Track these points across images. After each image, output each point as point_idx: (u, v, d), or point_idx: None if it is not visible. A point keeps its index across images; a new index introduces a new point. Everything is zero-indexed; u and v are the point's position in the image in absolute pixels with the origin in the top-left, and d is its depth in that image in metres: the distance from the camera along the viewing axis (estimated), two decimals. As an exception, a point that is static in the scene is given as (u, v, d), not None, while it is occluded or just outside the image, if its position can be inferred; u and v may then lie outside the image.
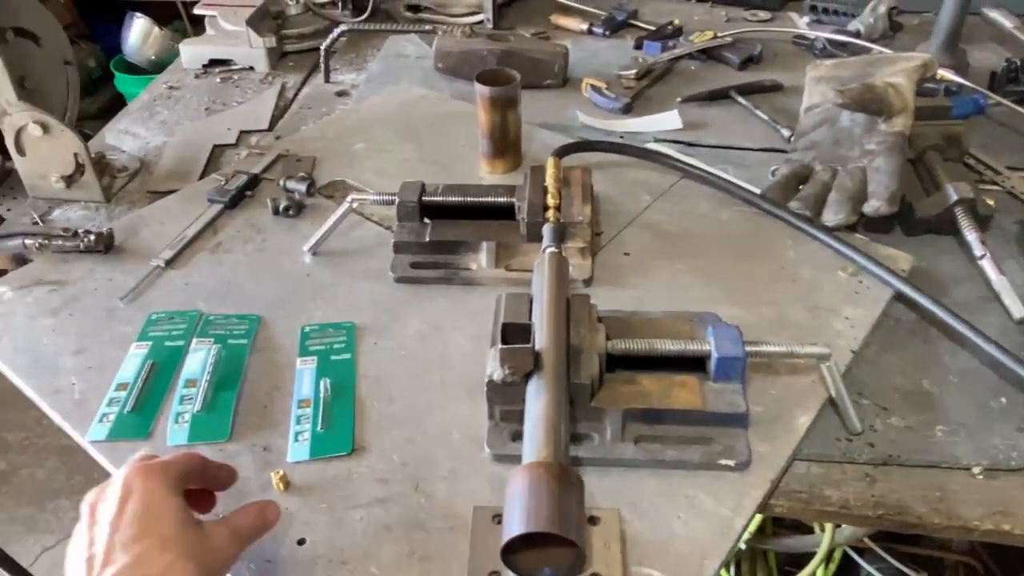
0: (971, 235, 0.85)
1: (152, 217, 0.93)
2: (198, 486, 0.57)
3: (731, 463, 0.62)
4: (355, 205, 0.87)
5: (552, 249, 0.76)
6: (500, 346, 0.61)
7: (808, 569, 1.28)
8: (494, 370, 0.62)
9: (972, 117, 1.11)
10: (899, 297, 0.80)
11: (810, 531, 1.37)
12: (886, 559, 1.37)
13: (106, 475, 0.56)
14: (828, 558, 1.35)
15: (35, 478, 2.05)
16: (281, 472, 0.62)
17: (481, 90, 0.95)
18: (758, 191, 0.94)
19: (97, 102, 2.96)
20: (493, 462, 0.64)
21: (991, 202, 0.91)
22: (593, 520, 0.58)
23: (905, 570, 1.38)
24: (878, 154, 0.91)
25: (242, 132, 1.20)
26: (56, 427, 0.69)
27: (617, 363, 0.68)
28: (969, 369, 0.74)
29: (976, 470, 0.65)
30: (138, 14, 2.82)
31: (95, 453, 0.66)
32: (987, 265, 0.83)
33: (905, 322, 0.79)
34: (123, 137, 1.19)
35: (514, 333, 0.63)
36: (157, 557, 0.47)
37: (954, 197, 0.87)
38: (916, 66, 0.97)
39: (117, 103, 3.05)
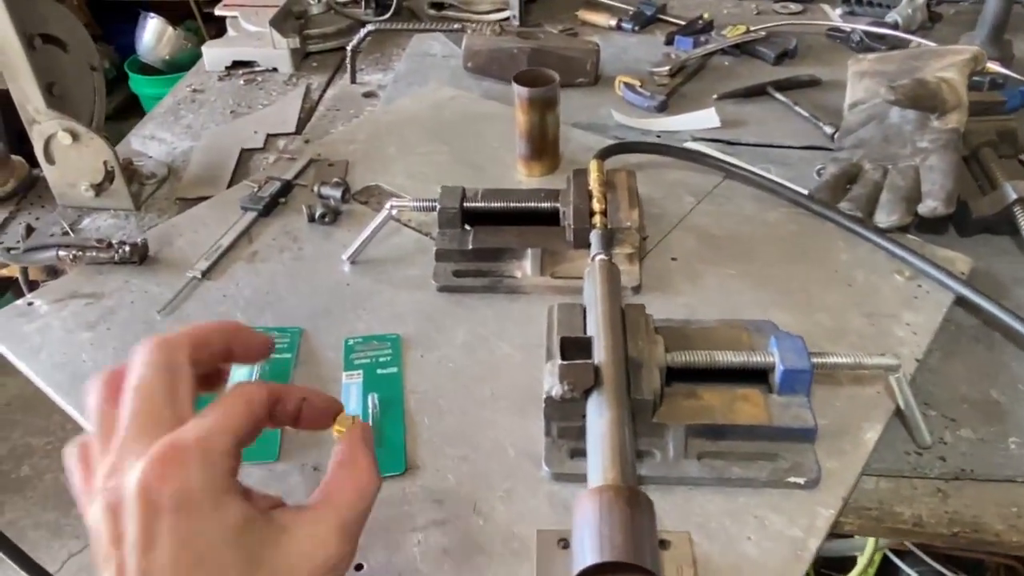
0: (1032, 235, 0.83)
1: (185, 226, 0.91)
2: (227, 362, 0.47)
3: (800, 481, 0.60)
4: (394, 212, 0.84)
5: (602, 256, 0.73)
6: (560, 361, 0.59)
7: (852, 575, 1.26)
8: (552, 386, 0.60)
9: (1020, 110, 1.07)
10: (959, 301, 0.77)
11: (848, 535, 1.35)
12: (927, 562, 1.35)
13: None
14: (867, 561, 1.33)
15: (59, 483, 2.05)
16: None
17: (520, 91, 0.92)
18: (805, 191, 0.91)
19: (112, 103, 2.95)
20: (552, 481, 0.62)
21: (1048, 199, 0.88)
22: (664, 544, 0.56)
23: (946, 572, 1.36)
24: (931, 152, 0.88)
25: (269, 135, 1.18)
26: (79, 431, 0.67)
27: (674, 376, 0.66)
28: (1038, 377, 0.71)
29: (1055, 485, 0.63)
30: (151, 14, 2.81)
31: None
32: (1050, 267, 0.80)
33: (967, 327, 0.77)
34: (149, 142, 1.18)
35: (573, 347, 0.61)
36: None
37: (1013, 196, 0.84)
38: (966, 59, 0.94)
39: (131, 104, 3.04)
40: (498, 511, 0.60)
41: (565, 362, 0.59)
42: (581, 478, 0.61)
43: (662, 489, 0.61)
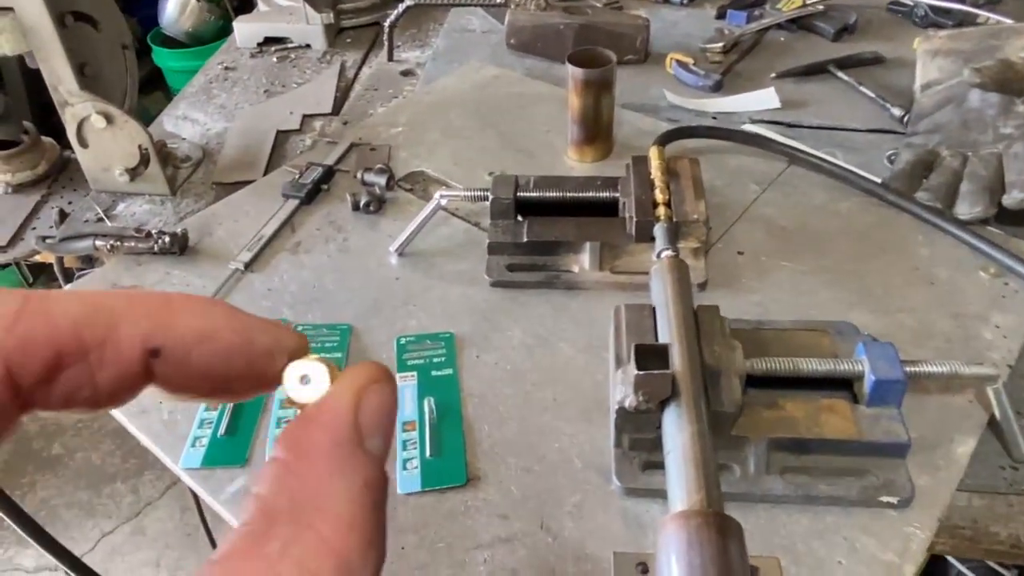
0: None
1: (225, 214, 0.88)
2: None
3: (893, 500, 0.56)
4: (444, 202, 0.80)
5: (670, 253, 0.69)
6: (636, 371, 0.55)
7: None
8: (626, 396, 0.56)
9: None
10: (1050, 301, 0.72)
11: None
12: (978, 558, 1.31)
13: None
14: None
15: (90, 462, 2.05)
16: None
17: (574, 72, 0.87)
18: (878, 179, 0.86)
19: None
20: (623, 496, 0.58)
21: None
22: (753, 572, 0.52)
23: (998, 568, 1.31)
24: (1017, 139, 0.82)
25: (305, 116, 1.14)
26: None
27: (751, 381, 0.62)
28: None
29: None
30: (175, -14, 2.75)
31: (189, 481, 0.62)
32: None
33: (1059, 329, 0.72)
34: (182, 124, 1.14)
35: (648, 355, 0.57)
36: None
37: (1107, 187, 0.78)
38: (1053, 38, 0.88)
39: (155, 78, 3.00)
40: (567, 528, 0.56)
41: (641, 372, 0.55)
42: (655, 493, 0.58)
43: (743, 507, 0.57)
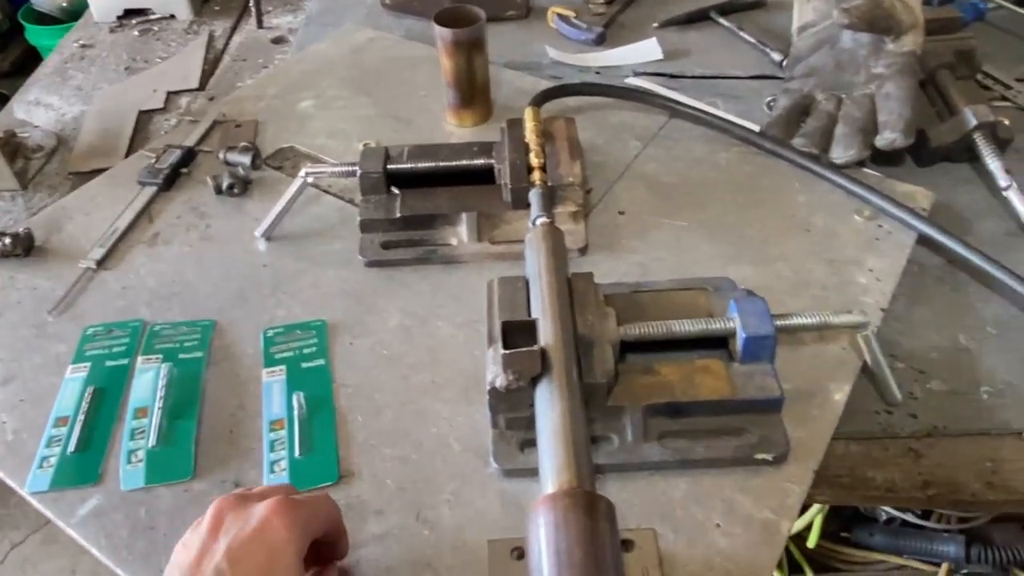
0: (993, 164, 0.78)
1: (76, 207, 0.81)
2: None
3: (769, 456, 0.55)
4: (310, 180, 0.76)
5: (543, 219, 0.67)
6: (502, 350, 0.53)
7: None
8: (496, 376, 0.53)
9: (972, 24, 1.02)
10: (922, 240, 0.73)
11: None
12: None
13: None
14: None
15: (-7, 471, 1.94)
16: None
17: (442, 33, 0.83)
18: (757, 128, 0.85)
19: (9, 57, 2.71)
20: (502, 477, 0.56)
21: (1007, 122, 0.83)
22: (627, 545, 0.51)
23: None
24: (887, 78, 0.82)
25: (170, 93, 1.06)
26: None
27: (628, 347, 0.60)
28: (1006, 317, 0.68)
29: (1028, 435, 0.60)
30: (40, -44, 2.55)
31: (39, 506, 0.57)
32: (1014, 196, 0.76)
33: (931, 268, 0.73)
34: (34, 110, 1.05)
35: (516, 332, 0.55)
36: None
37: (973, 122, 0.79)
38: (920, -26, 0.88)
39: (30, 57, 2.79)
40: (445, 517, 0.54)
41: (508, 351, 0.53)
42: (533, 472, 0.55)
43: (623, 476, 0.56)
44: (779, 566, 1.34)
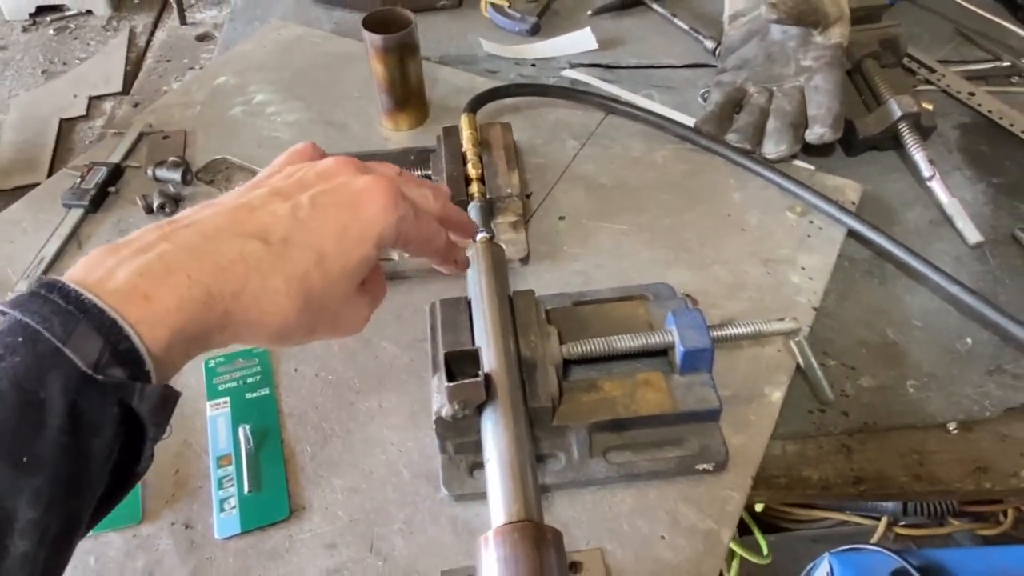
0: (918, 154, 0.81)
1: (-2, 235, 0.78)
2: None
3: (709, 467, 0.57)
4: (244, 199, 0.74)
5: (483, 235, 0.66)
6: (446, 383, 0.53)
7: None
8: (442, 406, 0.54)
9: (897, 4, 1.04)
10: (852, 233, 0.75)
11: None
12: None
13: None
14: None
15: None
16: None
17: (372, 39, 0.81)
18: (691, 121, 0.86)
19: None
20: (453, 503, 0.57)
21: (929, 106, 0.86)
22: (575, 567, 0.53)
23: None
24: (816, 71, 0.83)
25: (92, 98, 1.03)
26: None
27: (572, 361, 0.62)
28: (931, 309, 0.71)
29: (951, 426, 0.63)
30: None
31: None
32: (937, 187, 0.79)
33: (860, 261, 0.75)
34: (-56, 121, 1.00)
35: (460, 361, 0.55)
36: (304, 260, 0.39)
37: (898, 113, 0.81)
38: (846, -38, 0.89)
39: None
40: (398, 547, 0.55)
41: (452, 384, 0.53)
42: (483, 496, 0.57)
43: (571, 493, 0.57)
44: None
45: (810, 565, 1.00)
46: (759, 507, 1.34)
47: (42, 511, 0.30)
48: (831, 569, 0.89)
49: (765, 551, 1.10)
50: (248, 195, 0.41)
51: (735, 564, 1.21)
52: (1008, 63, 0.97)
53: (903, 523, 1.38)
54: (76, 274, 0.35)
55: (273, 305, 0.38)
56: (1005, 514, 1.14)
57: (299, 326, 0.40)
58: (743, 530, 1.43)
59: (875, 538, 1.13)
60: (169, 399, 0.36)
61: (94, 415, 0.32)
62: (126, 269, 0.35)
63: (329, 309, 0.41)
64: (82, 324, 0.32)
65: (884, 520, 1.41)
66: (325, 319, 0.42)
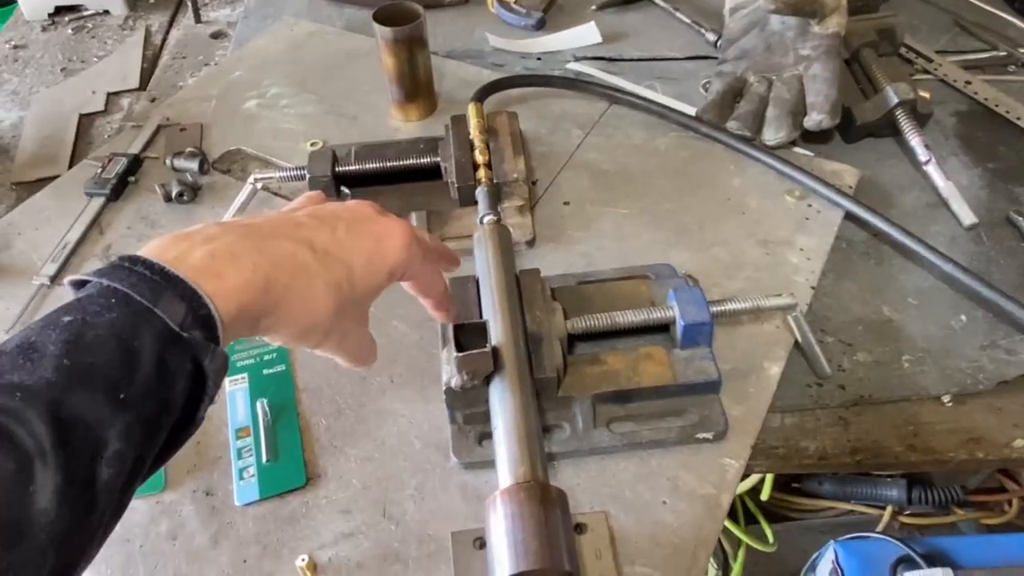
0: (914, 139, 0.83)
1: (24, 223, 0.81)
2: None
3: (709, 436, 0.60)
4: (259, 185, 0.77)
5: (490, 217, 0.69)
6: (456, 353, 0.56)
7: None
8: (452, 377, 0.56)
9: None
10: (849, 216, 0.78)
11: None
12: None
13: None
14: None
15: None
16: (307, 559, 0.55)
17: (382, 32, 0.84)
18: (693, 110, 0.88)
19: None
20: (462, 470, 0.59)
21: (926, 94, 0.88)
22: (580, 528, 0.55)
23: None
24: (814, 60, 0.85)
25: (110, 94, 1.05)
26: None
27: (577, 337, 0.64)
28: (925, 288, 0.73)
29: (945, 399, 0.65)
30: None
31: None
32: (933, 171, 0.81)
33: (857, 243, 0.77)
34: (-32, 117, 1.03)
35: (468, 334, 0.57)
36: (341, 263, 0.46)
37: (894, 100, 0.83)
38: (843, -46, 0.91)
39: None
40: (410, 512, 0.57)
41: (461, 354, 0.55)
42: (492, 464, 0.59)
43: (575, 462, 0.60)
44: (736, 518, 1.41)
45: (815, 553, 1.02)
46: (765, 496, 1.36)
47: (126, 445, 0.34)
48: (836, 557, 0.91)
49: (771, 540, 1.12)
50: (290, 215, 0.48)
51: (741, 552, 1.23)
52: (1004, 52, 0.99)
53: (908, 512, 1.40)
54: (151, 253, 0.39)
55: (314, 303, 0.44)
56: (1009, 503, 1.16)
57: (323, 327, 0.46)
58: (749, 519, 1.46)
59: (880, 527, 1.14)
60: (226, 364, 0.41)
61: (176, 367, 0.37)
62: (200, 251, 0.40)
63: (346, 321, 0.48)
64: (168, 291, 0.37)
65: (889, 509, 1.43)
66: (338, 330, 0.48)
